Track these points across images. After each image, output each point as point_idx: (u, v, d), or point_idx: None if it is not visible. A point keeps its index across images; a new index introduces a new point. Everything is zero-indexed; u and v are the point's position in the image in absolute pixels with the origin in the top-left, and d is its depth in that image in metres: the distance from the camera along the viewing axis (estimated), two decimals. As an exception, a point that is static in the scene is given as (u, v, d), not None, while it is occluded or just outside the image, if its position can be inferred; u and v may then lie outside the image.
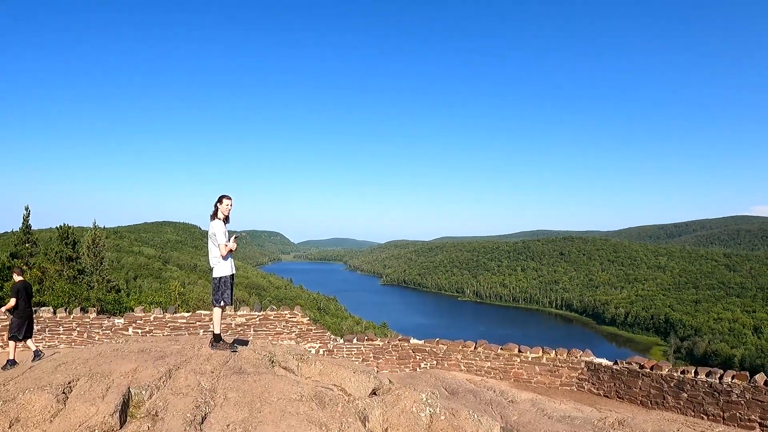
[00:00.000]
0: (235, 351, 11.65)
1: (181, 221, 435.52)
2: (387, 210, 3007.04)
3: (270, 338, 19.43)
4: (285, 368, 10.67)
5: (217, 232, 11.74)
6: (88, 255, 53.75)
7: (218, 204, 11.83)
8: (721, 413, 15.21)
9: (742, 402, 14.86)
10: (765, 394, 14.53)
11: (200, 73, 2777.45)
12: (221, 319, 12.71)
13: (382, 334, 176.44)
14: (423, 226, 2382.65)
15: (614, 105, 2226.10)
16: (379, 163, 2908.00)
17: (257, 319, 19.78)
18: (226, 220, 11.93)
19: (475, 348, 19.85)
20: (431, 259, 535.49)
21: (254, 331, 19.61)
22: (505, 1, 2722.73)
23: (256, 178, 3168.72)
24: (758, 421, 14.45)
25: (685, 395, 16.17)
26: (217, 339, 11.80)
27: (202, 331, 19.02)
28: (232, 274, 12.27)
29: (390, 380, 11.24)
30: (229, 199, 11.97)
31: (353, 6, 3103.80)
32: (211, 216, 11.88)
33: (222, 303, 11.96)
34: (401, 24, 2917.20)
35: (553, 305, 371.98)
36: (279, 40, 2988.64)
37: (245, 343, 12.68)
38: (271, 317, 19.93)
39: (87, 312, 20.04)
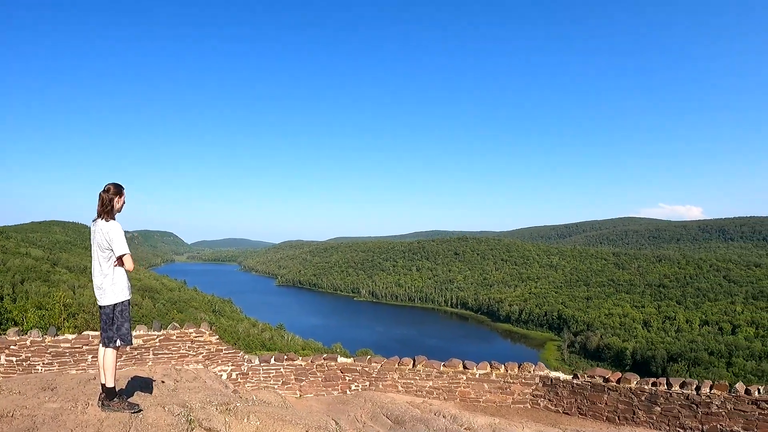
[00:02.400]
0: (137, 411, 8.07)
1: (71, 221, 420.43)
2: (281, 210, 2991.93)
3: (173, 362, 15.88)
4: (208, 431, 7.24)
5: (116, 238, 7.97)
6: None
7: (114, 197, 8.09)
8: (700, 426, 13.94)
9: (723, 413, 13.68)
10: (747, 403, 13.47)
11: (88, 61, 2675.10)
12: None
13: (279, 336, 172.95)
14: (318, 226, 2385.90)
15: (509, 108, 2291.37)
16: (272, 163, 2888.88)
17: (157, 340, 15.93)
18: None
19: (414, 366, 17.06)
20: (326, 260, 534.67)
21: (154, 354, 15.81)
22: None
23: (148, 175, 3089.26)
24: (741, 431, 13.37)
25: (659, 409, 14.59)
26: (110, 395, 8.12)
27: (90, 357, 15.10)
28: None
29: None
30: (124, 189, 8.28)
31: None
32: (100, 213, 8.05)
33: (119, 343, 8.28)
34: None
35: (449, 304, 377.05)
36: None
37: (148, 385, 9.04)
38: (174, 337, 16.17)
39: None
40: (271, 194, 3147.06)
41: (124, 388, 10.24)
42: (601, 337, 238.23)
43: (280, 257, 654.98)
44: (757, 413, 13.40)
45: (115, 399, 8.15)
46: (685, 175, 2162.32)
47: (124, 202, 8.24)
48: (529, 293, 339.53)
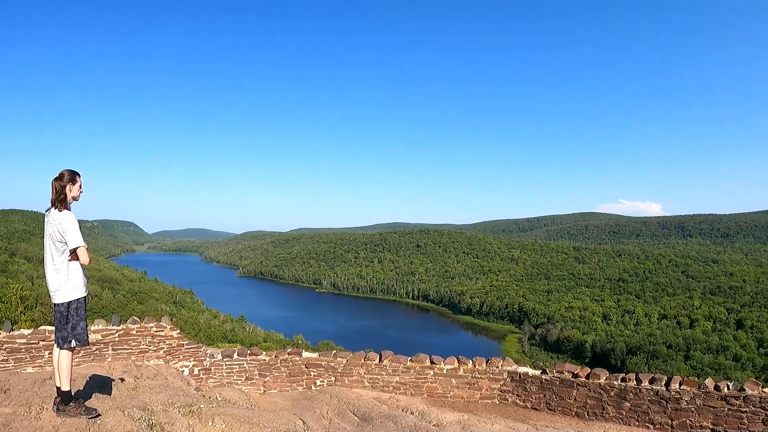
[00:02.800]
0: (94, 416, 7.46)
1: (29, 209, 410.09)
2: (243, 200, 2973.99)
3: (133, 358, 15.17)
4: (171, 435, 6.72)
5: (70, 229, 7.28)
6: None
7: (68, 185, 7.42)
8: (670, 421, 13.99)
9: (693, 409, 13.75)
10: (717, 399, 13.59)
11: (36, 42, 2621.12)
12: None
13: (241, 327, 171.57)
14: (280, 217, 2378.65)
15: (471, 102, 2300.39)
16: (234, 152, 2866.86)
17: (116, 334, 15.17)
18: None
19: (380, 361, 16.66)
20: (288, 251, 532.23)
21: (113, 350, 15.06)
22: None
23: (108, 163, 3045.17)
24: (710, 427, 13.55)
25: (628, 404, 14.58)
26: (66, 399, 7.47)
27: (47, 353, 14.33)
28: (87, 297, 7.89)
29: None
30: (80, 176, 7.59)
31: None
32: (53, 203, 7.39)
33: (74, 343, 7.54)
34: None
35: (410, 296, 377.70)
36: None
37: (107, 385, 8.42)
38: (134, 332, 15.43)
39: None
40: (233, 184, 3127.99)
41: (81, 388, 9.62)
42: (561, 329, 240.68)
43: (242, 248, 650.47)
44: (726, 409, 13.47)
45: (72, 403, 7.51)
46: (645, 172, 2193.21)
47: (80, 191, 7.59)
48: (491, 286, 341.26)
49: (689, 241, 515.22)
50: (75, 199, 7.55)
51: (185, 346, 16.05)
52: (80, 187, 7.56)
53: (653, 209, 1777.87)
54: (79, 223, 7.47)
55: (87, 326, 7.79)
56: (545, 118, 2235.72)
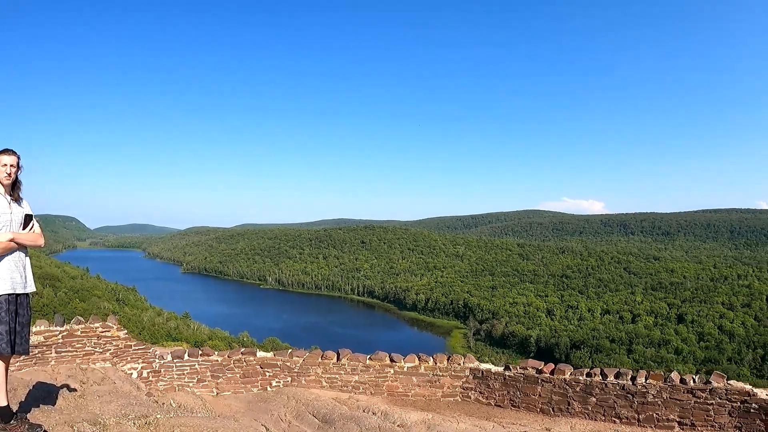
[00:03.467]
0: None
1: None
2: (187, 195, 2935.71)
3: (79, 361, 14.11)
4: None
5: None
6: None
7: None
8: (636, 415, 14.16)
9: (659, 402, 14.00)
10: (683, 392, 13.89)
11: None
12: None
13: (186, 325, 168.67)
14: (224, 212, 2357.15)
15: (417, 98, 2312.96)
16: (178, 147, 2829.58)
17: (60, 336, 14.02)
18: (11, 190, 6.61)
19: (338, 359, 16.02)
20: (233, 247, 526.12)
21: (56, 353, 13.91)
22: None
23: (48, 155, 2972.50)
24: (677, 420, 13.85)
25: (594, 399, 14.61)
26: (5, 416, 6.52)
27: None
28: (14, 295, 6.79)
29: None
30: (11, 155, 6.56)
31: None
32: None
33: None
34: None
35: (356, 292, 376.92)
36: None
37: (51, 394, 7.53)
38: (78, 332, 14.33)
39: None
40: (177, 179, 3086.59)
41: (23, 399, 8.75)
42: (506, 325, 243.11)
43: (186, 244, 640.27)
44: (692, 402, 13.68)
45: (13, 421, 6.57)
46: (588, 171, 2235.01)
47: (11, 169, 6.51)
48: (436, 282, 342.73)
49: (631, 239, 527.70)
50: (1, 180, 6.53)
51: (133, 347, 15.11)
52: (9, 165, 6.53)
53: (596, 207, 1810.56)
54: (25, 218, 6.57)
55: (10, 331, 6.59)
56: (490, 116, 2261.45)
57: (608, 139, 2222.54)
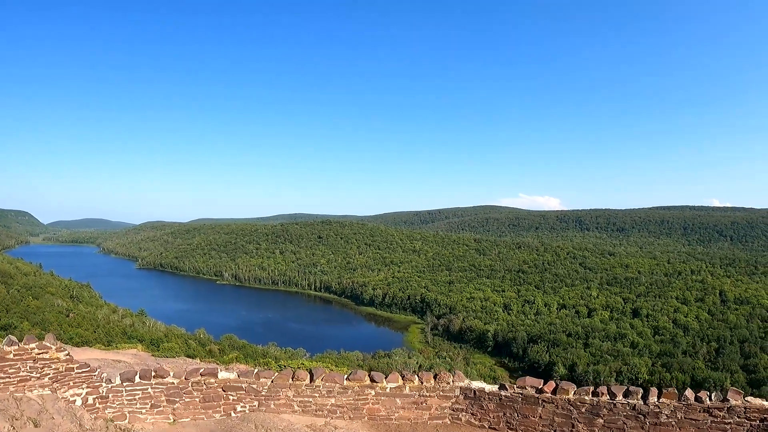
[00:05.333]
0: None
1: None
2: (142, 189, 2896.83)
3: (12, 389, 11.66)
4: None
5: None
6: None
7: None
8: None
9: (673, 422, 12.78)
10: (699, 411, 12.72)
11: None
12: None
13: (141, 322, 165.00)
14: (180, 207, 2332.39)
15: (375, 95, 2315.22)
16: (131, 140, 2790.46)
17: None
18: None
19: (311, 380, 14.01)
20: (188, 242, 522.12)
21: None
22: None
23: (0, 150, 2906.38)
24: None
25: (601, 421, 13.29)
26: None
27: None
28: None
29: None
30: None
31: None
32: None
33: None
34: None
35: (312, 287, 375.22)
36: None
37: None
38: (11, 356, 11.81)
39: None
40: (132, 173, 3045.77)
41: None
42: (463, 319, 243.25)
43: (141, 239, 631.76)
44: (709, 421, 12.63)
45: None
46: (544, 167, 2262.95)
47: None
48: (393, 277, 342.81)
49: (586, 235, 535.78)
50: None
51: (76, 370, 12.74)
52: None
53: (552, 203, 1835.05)
54: None
55: None
56: (446, 113, 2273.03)
57: (564, 137, 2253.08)
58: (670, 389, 13.04)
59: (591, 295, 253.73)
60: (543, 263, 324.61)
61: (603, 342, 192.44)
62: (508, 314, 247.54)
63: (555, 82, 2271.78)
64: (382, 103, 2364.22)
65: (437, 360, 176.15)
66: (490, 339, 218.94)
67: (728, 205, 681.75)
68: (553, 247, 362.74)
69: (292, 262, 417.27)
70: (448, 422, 14.03)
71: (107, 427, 11.27)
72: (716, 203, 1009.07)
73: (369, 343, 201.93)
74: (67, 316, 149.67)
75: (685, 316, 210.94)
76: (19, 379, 11.91)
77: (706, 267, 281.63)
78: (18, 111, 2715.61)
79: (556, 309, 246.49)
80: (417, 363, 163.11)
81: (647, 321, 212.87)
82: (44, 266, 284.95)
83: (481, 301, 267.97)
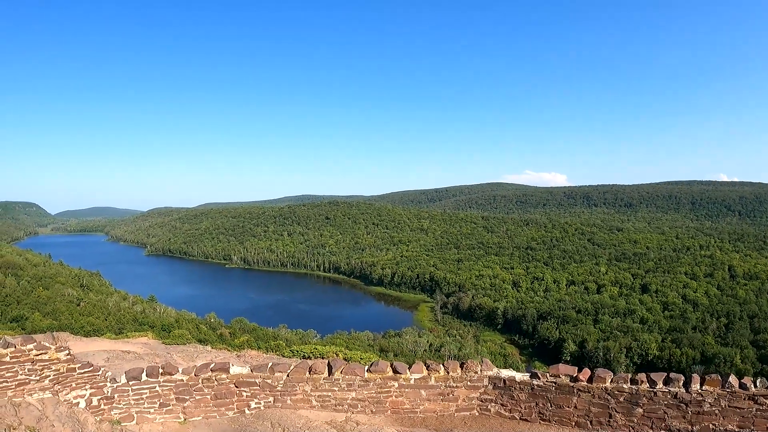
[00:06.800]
0: None
1: None
2: (149, 176, 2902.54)
3: (10, 394, 10.70)
4: None
5: None
6: None
7: None
8: (690, 427, 12.19)
9: (717, 411, 12.00)
10: (744, 399, 11.93)
11: None
12: None
13: (152, 308, 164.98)
14: (187, 192, 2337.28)
15: (380, 74, 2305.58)
16: (137, 128, 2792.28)
17: None
18: None
19: (330, 373, 13.04)
20: (196, 227, 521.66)
21: None
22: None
23: (6, 144, 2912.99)
24: (736, 430, 11.99)
25: (641, 411, 12.41)
26: None
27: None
28: None
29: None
30: None
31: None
32: None
33: None
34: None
35: (321, 268, 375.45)
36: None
37: None
38: (7, 358, 10.86)
39: None
40: (138, 160, 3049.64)
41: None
42: (472, 297, 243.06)
43: (149, 225, 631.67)
44: (754, 409, 11.88)
45: None
46: (550, 143, 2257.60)
47: None
48: (401, 256, 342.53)
49: (594, 210, 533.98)
50: None
51: (78, 370, 11.90)
52: None
53: (558, 180, 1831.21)
54: None
55: None
56: (452, 90, 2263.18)
57: (570, 111, 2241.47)
58: (713, 376, 12.22)
59: (600, 271, 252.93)
60: (551, 240, 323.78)
61: (612, 318, 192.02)
62: (517, 291, 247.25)
63: (560, 58, 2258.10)
64: (387, 83, 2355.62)
65: (447, 338, 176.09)
66: (500, 316, 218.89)
67: (736, 179, 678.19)
68: (561, 224, 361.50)
69: (301, 244, 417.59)
70: (476, 414, 13.19)
71: (112, 431, 10.42)
72: (724, 178, 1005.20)
73: (379, 322, 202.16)
74: (78, 305, 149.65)
75: (694, 292, 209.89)
76: (17, 383, 11.04)
77: (715, 242, 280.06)
78: (21, 104, 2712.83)
79: (565, 285, 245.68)
80: (427, 341, 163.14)
81: (656, 297, 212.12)
82: (53, 256, 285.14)
83: (490, 279, 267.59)
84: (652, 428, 12.22)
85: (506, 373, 13.28)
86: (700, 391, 11.95)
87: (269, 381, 12.79)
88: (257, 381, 12.79)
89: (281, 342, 54.95)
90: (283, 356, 27.31)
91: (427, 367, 13.21)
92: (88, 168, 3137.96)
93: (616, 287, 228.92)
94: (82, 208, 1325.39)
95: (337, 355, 28.27)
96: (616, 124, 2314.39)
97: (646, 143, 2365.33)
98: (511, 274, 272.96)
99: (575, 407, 12.52)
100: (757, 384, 11.86)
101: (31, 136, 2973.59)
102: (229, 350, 32.59)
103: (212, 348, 32.06)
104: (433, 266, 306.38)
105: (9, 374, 11.05)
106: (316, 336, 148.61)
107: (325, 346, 35.48)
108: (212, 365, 12.84)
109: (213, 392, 12.66)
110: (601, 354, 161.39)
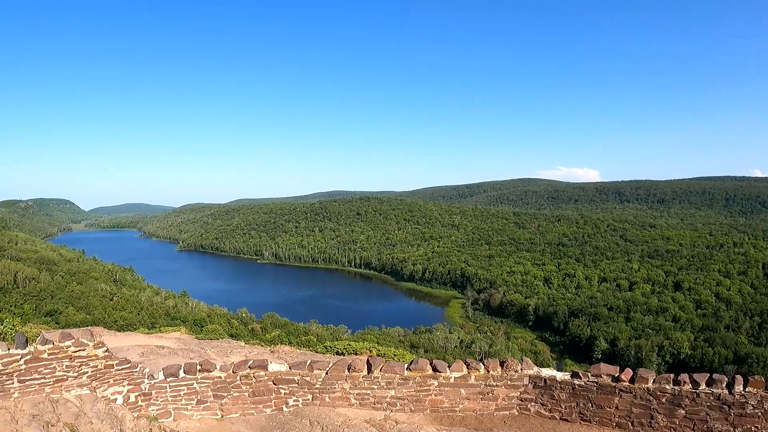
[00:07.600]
0: None
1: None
2: (181, 173, 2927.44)
3: (48, 390, 10.76)
4: None
5: None
6: None
7: None
8: (732, 429, 11.95)
9: (759, 414, 11.70)
10: None
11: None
12: None
13: (184, 303, 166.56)
14: (218, 188, 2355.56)
15: (411, 71, 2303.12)
16: (170, 125, 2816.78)
17: (21, 361, 10.72)
18: None
19: (369, 371, 13.03)
20: (228, 222, 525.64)
21: (20, 382, 10.71)
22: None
23: (41, 140, 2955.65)
24: None
25: (683, 412, 12.23)
26: None
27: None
28: None
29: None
30: None
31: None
32: None
33: None
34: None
35: (352, 264, 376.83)
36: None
37: None
38: (45, 354, 10.88)
39: None
40: (170, 157, 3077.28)
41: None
42: (504, 294, 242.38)
43: (181, 221, 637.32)
44: None
45: None
46: (582, 139, 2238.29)
47: None
48: (432, 252, 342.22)
49: (626, 207, 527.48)
50: None
51: (116, 367, 12.07)
52: None
53: (590, 175, 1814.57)
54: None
55: None
56: (484, 87, 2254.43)
57: (602, 107, 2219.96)
58: (756, 377, 11.97)
59: (632, 268, 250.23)
60: (583, 236, 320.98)
61: (644, 316, 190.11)
62: (549, 288, 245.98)
63: (593, 52, 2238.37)
64: (419, 77, 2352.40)
65: (478, 335, 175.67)
66: (531, 313, 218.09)
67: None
68: (593, 220, 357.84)
69: (332, 240, 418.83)
70: (516, 413, 13.10)
71: (150, 428, 10.48)
72: (758, 174, 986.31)
73: (409, 318, 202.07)
74: (111, 299, 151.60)
75: (728, 290, 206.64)
76: (55, 379, 11.18)
77: (749, 239, 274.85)
78: (58, 102, 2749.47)
79: (597, 282, 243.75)
80: (458, 338, 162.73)
81: (689, 294, 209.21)
82: (87, 252, 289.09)
83: (522, 275, 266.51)
84: (693, 430, 12.04)
85: (547, 372, 13.18)
86: (743, 392, 11.73)
87: (308, 378, 12.79)
88: (296, 378, 12.79)
89: (312, 337, 55.29)
90: (317, 352, 27.33)
91: (467, 366, 13.14)
92: (121, 165, 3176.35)
93: (649, 284, 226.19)
94: (115, 205, 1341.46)
95: (371, 351, 28.24)
96: (648, 119, 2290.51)
97: (679, 138, 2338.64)
98: (542, 270, 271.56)
99: (616, 408, 12.38)
100: (803, 385, 11.66)
101: (66, 135, 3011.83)
102: (261, 345, 32.67)
103: (245, 343, 32.19)
104: (464, 262, 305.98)
105: (47, 371, 11.16)
106: (347, 331, 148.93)
107: (357, 342, 35.55)
108: (250, 362, 12.88)
109: (251, 389, 12.69)
110: (632, 352, 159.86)
